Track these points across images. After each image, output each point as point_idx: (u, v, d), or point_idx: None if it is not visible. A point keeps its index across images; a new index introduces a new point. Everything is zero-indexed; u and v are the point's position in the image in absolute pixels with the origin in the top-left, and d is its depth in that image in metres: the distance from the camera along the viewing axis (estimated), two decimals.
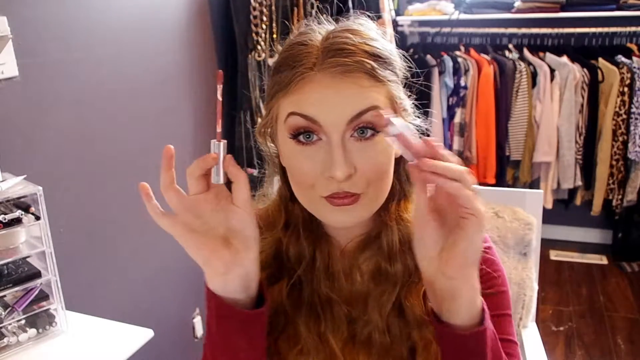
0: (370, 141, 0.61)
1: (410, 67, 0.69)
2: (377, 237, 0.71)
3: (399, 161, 0.71)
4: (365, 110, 0.60)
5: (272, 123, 0.67)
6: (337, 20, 0.68)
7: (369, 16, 0.69)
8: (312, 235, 0.72)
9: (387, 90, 0.62)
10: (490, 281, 0.72)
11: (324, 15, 0.68)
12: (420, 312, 0.69)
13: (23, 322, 1.08)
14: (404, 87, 0.68)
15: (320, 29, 0.65)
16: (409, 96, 0.69)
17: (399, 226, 0.70)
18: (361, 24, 0.66)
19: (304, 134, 0.61)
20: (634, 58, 2.75)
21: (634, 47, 2.83)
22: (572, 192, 3.00)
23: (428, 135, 0.74)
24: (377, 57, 0.62)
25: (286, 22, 2.04)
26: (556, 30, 2.90)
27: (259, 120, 2.37)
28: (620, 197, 2.88)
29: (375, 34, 0.65)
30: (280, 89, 0.63)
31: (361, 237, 0.72)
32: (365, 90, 0.60)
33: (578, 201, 3.00)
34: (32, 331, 1.07)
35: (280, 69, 0.64)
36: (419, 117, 0.70)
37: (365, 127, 0.60)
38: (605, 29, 2.80)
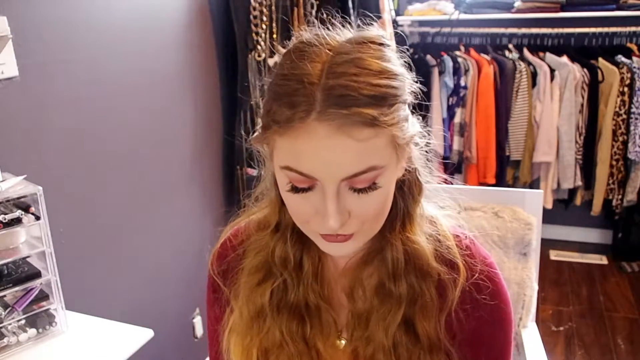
0: (366, 193, 0.59)
1: (419, 86, 0.65)
2: (380, 252, 0.69)
3: (403, 182, 0.69)
4: (362, 172, 0.57)
5: (268, 149, 0.64)
6: (344, 20, 0.63)
7: (371, 16, 0.66)
8: (300, 240, 0.71)
9: (390, 134, 0.58)
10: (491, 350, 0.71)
11: (327, 17, 0.63)
12: (436, 337, 0.67)
13: (23, 322, 1.08)
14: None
15: (320, 51, 0.58)
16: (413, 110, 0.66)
17: (405, 246, 0.68)
18: (371, 43, 0.59)
19: (300, 189, 0.60)
20: (634, 58, 2.74)
21: (634, 47, 2.83)
22: (572, 192, 3.00)
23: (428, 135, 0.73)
24: (381, 99, 0.56)
25: (286, 22, 2.04)
26: (556, 30, 2.90)
27: (259, 120, 2.37)
28: (620, 197, 2.88)
29: (386, 58, 0.59)
30: (275, 123, 0.57)
31: (362, 253, 0.71)
32: (363, 145, 0.56)
33: (578, 201, 2.99)
34: (32, 331, 1.07)
35: (276, 100, 0.58)
36: (424, 136, 0.68)
37: (363, 188, 0.59)
38: (605, 29, 2.80)
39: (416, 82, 0.64)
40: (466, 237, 0.73)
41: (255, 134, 0.65)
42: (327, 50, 0.58)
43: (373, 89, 0.55)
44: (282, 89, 0.57)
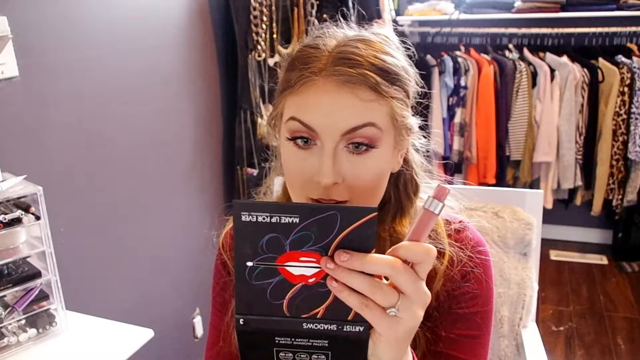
0: (362, 156, 0.62)
1: (421, 87, 0.69)
2: None
3: (399, 175, 0.72)
4: (361, 126, 0.60)
5: (278, 119, 0.68)
6: (359, 24, 0.69)
7: (371, 16, 0.69)
8: None
9: (390, 106, 0.62)
10: (467, 302, 0.71)
11: (345, 20, 0.69)
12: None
13: (23, 322, 1.08)
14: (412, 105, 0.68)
15: (337, 33, 0.66)
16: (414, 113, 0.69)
17: (392, 238, 0.70)
18: (378, 34, 0.67)
19: (301, 138, 0.62)
20: (634, 58, 2.75)
21: (634, 47, 2.83)
22: (572, 192, 3.00)
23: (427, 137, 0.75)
24: (384, 71, 0.62)
25: (286, 22, 2.04)
26: (556, 30, 2.90)
27: (259, 120, 2.36)
28: (620, 197, 2.88)
29: (391, 48, 0.65)
30: (286, 88, 0.64)
31: None
32: (365, 104, 0.60)
33: (578, 201, 3.00)
34: (32, 331, 1.07)
35: (291, 68, 0.65)
36: (424, 136, 0.71)
37: (360, 143, 0.61)
38: (605, 29, 2.80)
39: (421, 86, 0.69)
40: (460, 222, 0.74)
41: (269, 114, 0.71)
42: (342, 33, 0.67)
43: (377, 61, 0.62)
44: (298, 55, 0.65)
